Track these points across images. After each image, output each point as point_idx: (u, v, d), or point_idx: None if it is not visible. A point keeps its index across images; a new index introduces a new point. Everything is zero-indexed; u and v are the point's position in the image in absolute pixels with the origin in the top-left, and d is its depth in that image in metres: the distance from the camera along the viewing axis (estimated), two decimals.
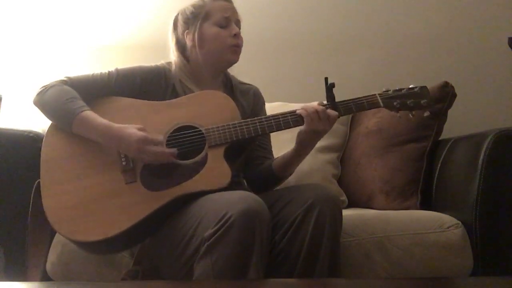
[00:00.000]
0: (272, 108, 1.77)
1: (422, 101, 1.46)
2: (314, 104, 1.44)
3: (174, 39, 1.61)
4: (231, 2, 1.59)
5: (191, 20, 1.56)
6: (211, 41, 1.54)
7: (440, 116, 1.83)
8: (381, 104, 1.46)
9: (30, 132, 1.68)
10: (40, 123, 1.72)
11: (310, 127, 1.42)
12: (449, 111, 1.85)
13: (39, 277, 1.51)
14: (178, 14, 1.61)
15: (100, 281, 1.51)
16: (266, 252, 1.28)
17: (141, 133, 1.37)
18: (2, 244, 1.62)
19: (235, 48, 1.55)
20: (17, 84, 2.30)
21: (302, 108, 1.44)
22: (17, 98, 2.26)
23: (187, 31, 1.57)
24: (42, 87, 1.49)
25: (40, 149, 1.45)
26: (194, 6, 1.58)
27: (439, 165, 1.77)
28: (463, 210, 1.56)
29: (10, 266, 1.61)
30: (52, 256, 1.57)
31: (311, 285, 1.20)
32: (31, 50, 2.35)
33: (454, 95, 1.84)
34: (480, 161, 1.52)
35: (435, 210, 1.65)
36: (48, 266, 1.57)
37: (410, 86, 1.49)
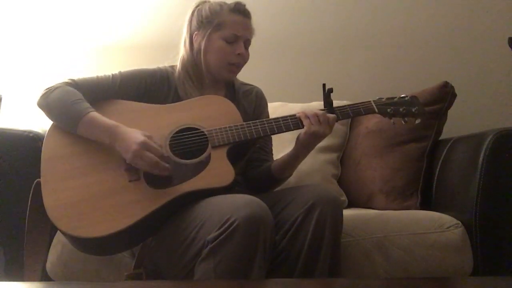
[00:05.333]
0: (272, 108, 1.77)
1: (413, 109, 1.52)
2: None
3: (188, 33, 1.59)
4: (248, 18, 1.56)
5: (203, 23, 1.55)
6: (214, 54, 1.54)
7: (440, 116, 1.83)
8: (376, 110, 1.51)
9: (30, 132, 1.68)
10: (40, 123, 1.72)
11: (310, 130, 1.43)
12: (449, 111, 1.85)
13: (38, 277, 1.51)
14: (195, 10, 1.58)
15: (100, 281, 1.51)
16: (268, 257, 1.28)
17: (144, 138, 1.36)
18: (2, 244, 1.62)
19: (233, 68, 1.56)
20: (17, 84, 2.30)
21: (302, 112, 1.45)
22: (17, 98, 2.27)
23: (196, 32, 1.57)
24: (47, 89, 1.47)
25: (40, 149, 1.45)
26: (211, 9, 1.55)
27: (439, 165, 1.77)
28: (463, 210, 1.56)
29: (10, 266, 1.61)
30: (52, 256, 1.57)
31: (311, 285, 1.20)
32: (31, 50, 2.35)
33: (454, 95, 1.84)
34: (480, 161, 1.52)
35: (435, 210, 1.65)
36: (48, 266, 1.57)
37: (401, 96, 1.55)
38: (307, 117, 1.44)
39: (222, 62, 1.54)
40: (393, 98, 1.54)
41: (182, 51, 1.60)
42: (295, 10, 2.40)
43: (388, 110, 1.51)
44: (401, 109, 1.51)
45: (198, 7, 1.58)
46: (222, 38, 1.53)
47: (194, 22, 1.57)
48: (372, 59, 2.36)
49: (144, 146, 1.35)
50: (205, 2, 1.58)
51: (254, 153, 1.62)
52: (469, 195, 1.53)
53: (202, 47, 1.55)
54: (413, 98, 1.54)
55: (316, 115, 1.43)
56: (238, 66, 1.57)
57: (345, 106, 1.51)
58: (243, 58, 1.56)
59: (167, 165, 1.37)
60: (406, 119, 1.52)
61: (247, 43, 1.57)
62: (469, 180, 1.54)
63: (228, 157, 1.42)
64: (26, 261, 1.47)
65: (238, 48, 1.53)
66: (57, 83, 1.48)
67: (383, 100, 1.53)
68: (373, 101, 1.52)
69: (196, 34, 1.57)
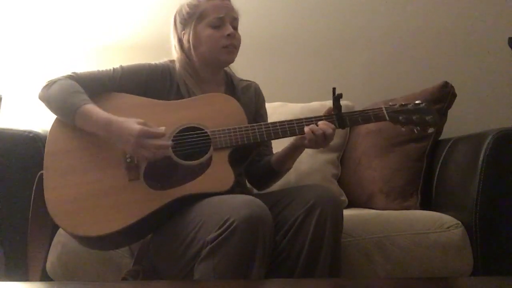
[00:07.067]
0: (272, 108, 1.77)
1: (427, 117, 1.44)
2: (321, 122, 1.42)
3: (175, 38, 1.60)
4: (226, 0, 1.57)
5: (187, 20, 1.55)
6: (205, 43, 1.53)
7: (440, 116, 1.83)
8: (387, 117, 1.44)
9: (30, 132, 1.67)
10: (40, 123, 1.72)
11: (312, 146, 1.42)
12: (449, 111, 1.85)
13: (39, 277, 1.51)
14: (175, 15, 1.60)
15: (100, 281, 1.51)
16: (268, 257, 1.28)
17: (140, 127, 1.34)
18: (2, 244, 1.62)
19: (230, 49, 1.54)
20: (17, 84, 2.30)
21: (310, 129, 1.40)
22: (17, 98, 2.27)
23: (183, 31, 1.57)
24: (48, 81, 1.47)
25: (40, 149, 1.45)
26: (189, 5, 1.56)
27: (439, 165, 1.77)
28: (463, 210, 1.56)
29: (10, 266, 1.61)
30: (52, 256, 1.57)
31: (311, 285, 1.20)
32: (31, 50, 2.35)
33: (454, 95, 1.84)
34: (480, 161, 1.51)
35: (435, 210, 1.65)
36: (48, 266, 1.57)
37: (416, 102, 1.47)
38: (314, 135, 1.40)
39: (216, 48, 1.53)
40: (406, 104, 1.46)
41: (175, 56, 1.60)
42: (295, 10, 2.40)
43: (400, 118, 1.44)
44: (414, 118, 1.44)
45: (177, 12, 1.59)
46: (208, 25, 1.52)
47: (178, 24, 1.58)
48: (372, 59, 2.36)
49: (142, 134, 1.33)
50: (182, 5, 1.59)
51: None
52: (469, 195, 1.53)
53: (192, 42, 1.54)
54: (429, 105, 1.46)
55: (323, 135, 1.40)
56: (234, 47, 1.55)
57: (355, 112, 1.45)
58: (235, 38, 1.54)
59: (169, 143, 1.37)
60: (418, 127, 1.45)
61: (234, 23, 1.56)
62: (469, 180, 1.54)
63: (230, 159, 1.40)
64: (29, 255, 1.48)
65: (226, 30, 1.52)
66: (58, 76, 1.48)
67: (396, 107, 1.46)
68: (385, 107, 1.45)
69: (183, 33, 1.57)
